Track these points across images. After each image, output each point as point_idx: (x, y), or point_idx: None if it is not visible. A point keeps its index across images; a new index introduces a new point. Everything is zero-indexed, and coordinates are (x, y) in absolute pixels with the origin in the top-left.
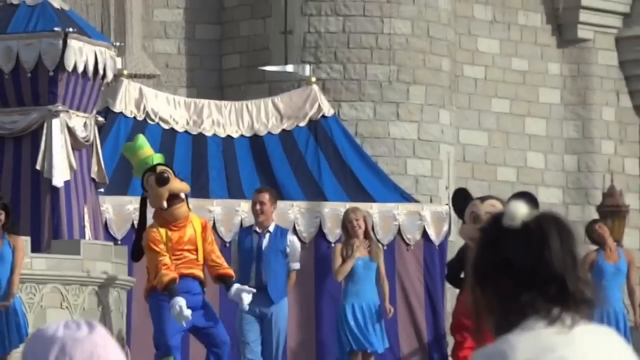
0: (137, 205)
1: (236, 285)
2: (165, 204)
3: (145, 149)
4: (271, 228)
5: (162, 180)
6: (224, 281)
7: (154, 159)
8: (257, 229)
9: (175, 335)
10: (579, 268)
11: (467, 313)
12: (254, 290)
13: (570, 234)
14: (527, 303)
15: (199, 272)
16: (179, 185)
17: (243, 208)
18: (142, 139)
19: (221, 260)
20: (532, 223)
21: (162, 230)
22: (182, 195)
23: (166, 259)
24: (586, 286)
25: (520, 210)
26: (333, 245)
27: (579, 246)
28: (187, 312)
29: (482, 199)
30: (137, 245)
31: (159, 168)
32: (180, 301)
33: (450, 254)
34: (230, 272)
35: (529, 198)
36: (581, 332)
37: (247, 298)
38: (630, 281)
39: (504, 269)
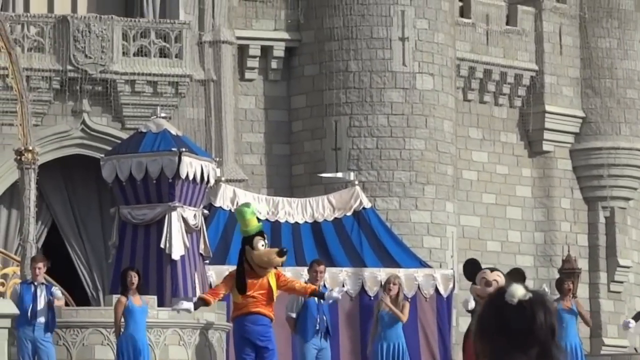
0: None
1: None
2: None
3: (254, 218)
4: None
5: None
6: (315, 294)
7: (261, 227)
8: None
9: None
10: (556, 337)
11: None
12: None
13: (551, 312)
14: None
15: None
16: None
17: (305, 273)
18: (253, 209)
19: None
20: (526, 302)
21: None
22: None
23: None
24: (559, 350)
25: (519, 292)
26: (372, 298)
27: (557, 320)
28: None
29: (491, 269)
30: (241, 281)
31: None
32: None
33: (454, 303)
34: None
35: (518, 272)
36: None
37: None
38: (582, 314)
39: (502, 329)
